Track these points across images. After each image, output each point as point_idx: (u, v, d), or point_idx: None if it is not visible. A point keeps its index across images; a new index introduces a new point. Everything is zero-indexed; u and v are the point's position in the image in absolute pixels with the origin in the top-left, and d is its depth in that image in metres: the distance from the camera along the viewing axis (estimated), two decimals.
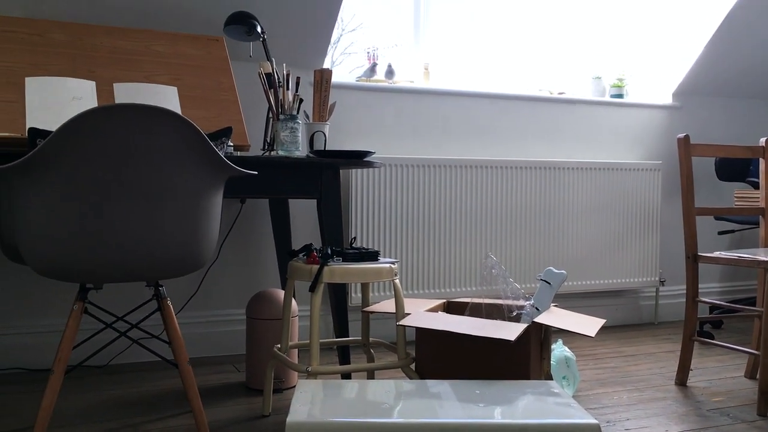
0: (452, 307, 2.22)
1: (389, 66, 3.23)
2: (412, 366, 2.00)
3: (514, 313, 2.06)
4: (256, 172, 1.83)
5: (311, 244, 2.03)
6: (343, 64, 3.34)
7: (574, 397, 2.32)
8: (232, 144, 2.30)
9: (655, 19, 3.72)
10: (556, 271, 2.06)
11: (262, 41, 2.56)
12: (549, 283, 2.05)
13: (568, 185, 3.35)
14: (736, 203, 3.32)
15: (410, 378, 1.97)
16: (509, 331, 1.75)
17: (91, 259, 1.63)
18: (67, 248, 1.61)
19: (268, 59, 2.47)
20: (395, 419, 1.43)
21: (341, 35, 3.32)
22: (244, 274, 2.93)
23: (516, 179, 3.24)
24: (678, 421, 2.09)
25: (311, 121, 2.45)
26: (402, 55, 3.35)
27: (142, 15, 2.64)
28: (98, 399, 2.26)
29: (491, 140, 3.32)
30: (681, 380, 2.48)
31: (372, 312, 2.11)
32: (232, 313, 2.91)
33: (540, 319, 1.90)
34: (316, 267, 1.91)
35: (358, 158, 2.25)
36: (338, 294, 2.32)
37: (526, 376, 1.85)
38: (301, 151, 2.31)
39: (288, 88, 2.35)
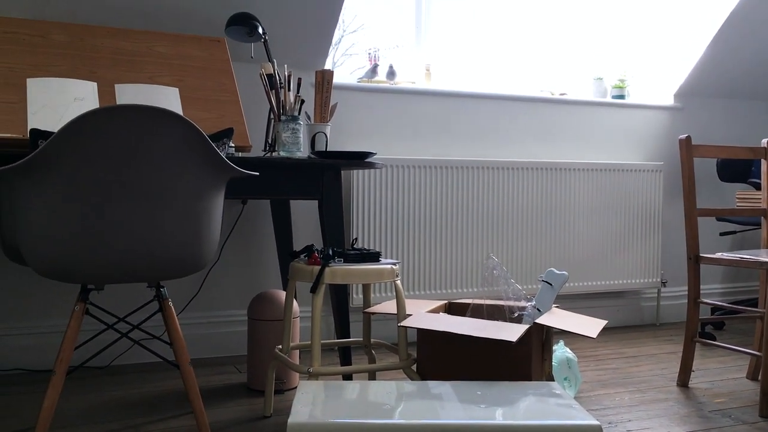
0: (454, 308, 2.21)
1: (391, 67, 3.23)
2: (414, 367, 2.00)
3: (516, 314, 2.06)
4: (257, 173, 1.83)
5: (312, 245, 2.03)
6: (345, 65, 3.34)
7: (575, 398, 2.31)
8: (233, 145, 2.30)
9: (656, 20, 3.72)
10: (558, 272, 2.05)
11: (264, 42, 2.57)
12: (550, 284, 2.05)
13: (570, 186, 3.35)
14: (738, 204, 3.32)
15: (411, 379, 1.97)
16: (511, 332, 1.75)
17: (93, 260, 1.63)
18: (69, 249, 1.61)
19: (270, 60, 2.47)
20: (396, 420, 1.43)
21: (342, 36, 3.32)
22: (246, 275, 2.93)
23: (517, 180, 3.24)
24: (680, 422, 2.09)
25: (313, 122, 2.45)
26: (403, 56, 3.35)
27: (144, 16, 2.64)
28: (99, 400, 2.26)
29: (492, 141, 3.32)
30: (683, 381, 2.48)
31: (373, 313, 2.11)
32: (233, 314, 2.91)
33: (541, 320, 1.90)
34: (317, 268, 1.91)
35: (359, 159, 2.25)
36: (339, 295, 2.32)
37: (527, 377, 1.85)
38: (303, 152, 2.31)
39: (289, 89, 2.35)
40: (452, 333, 1.79)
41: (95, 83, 2.26)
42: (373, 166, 2.32)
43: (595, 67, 3.71)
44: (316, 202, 2.94)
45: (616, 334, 3.39)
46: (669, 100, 3.73)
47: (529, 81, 3.59)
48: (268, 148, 2.55)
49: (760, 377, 2.41)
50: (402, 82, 3.25)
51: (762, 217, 2.57)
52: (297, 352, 2.40)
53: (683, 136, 2.44)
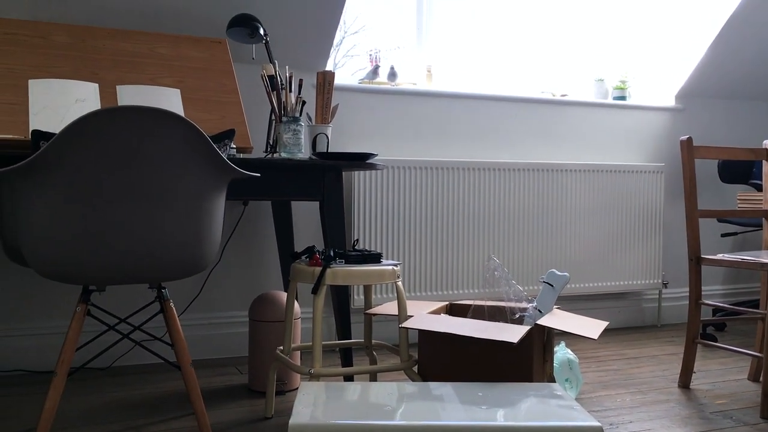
0: (455, 310, 2.21)
1: (392, 68, 3.23)
2: (415, 368, 2.00)
3: (517, 316, 2.06)
4: (258, 174, 1.83)
5: (314, 246, 2.03)
6: (346, 66, 3.35)
7: (576, 399, 2.31)
8: (234, 146, 2.30)
9: (657, 21, 3.72)
10: (559, 273, 2.05)
11: (265, 43, 2.57)
12: (552, 286, 2.05)
13: (571, 187, 3.35)
14: (739, 205, 3.31)
15: (413, 380, 1.97)
16: (512, 333, 1.75)
17: (94, 261, 1.63)
18: (70, 250, 1.61)
19: (271, 61, 2.48)
20: (398, 421, 1.43)
21: (344, 37, 3.32)
22: (247, 276, 2.93)
23: (518, 181, 3.24)
24: (681, 423, 2.09)
25: (314, 123, 2.45)
26: (404, 58, 3.35)
27: (145, 17, 2.64)
28: (101, 401, 2.26)
29: (494, 142, 3.32)
30: (684, 383, 2.48)
31: (374, 314, 2.11)
32: (234, 315, 2.92)
33: (543, 321, 1.90)
34: (318, 269, 1.91)
35: (360, 160, 2.25)
36: (341, 296, 2.32)
37: (528, 378, 1.85)
38: (304, 153, 2.32)
39: (291, 91, 2.35)
40: (453, 334, 1.79)
41: (97, 84, 2.26)
42: (375, 168, 2.32)
43: (596, 69, 3.71)
44: (318, 203, 2.94)
45: (617, 335, 3.38)
46: (670, 102, 3.73)
47: (530, 82, 3.59)
48: (269, 149, 2.55)
49: (761, 378, 2.41)
50: (403, 83, 3.25)
51: (763, 219, 2.57)
52: (298, 353, 2.40)
53: (684, 138, 2.44)
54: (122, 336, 1.92)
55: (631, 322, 3.61)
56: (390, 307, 2.14)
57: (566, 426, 1.42)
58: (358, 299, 2.94)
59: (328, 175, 2.29)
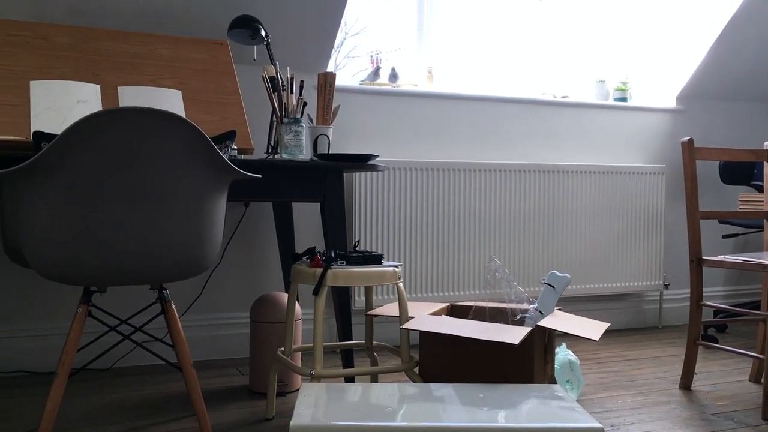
0: (456, 311, 2.21)
1: (393, 69, 3.23)
2: (416, 369, 2.00)
3: (518, 317, 2.06)
4: (259, 176, 1.83)
5: (315, 247, 2.03)
6: (347, 67, 3.35)
7: (578, 401, 2.31)
8: (236, 147, 2.30)
9: (658, 23, 3.72)
10: (560, 274, 2.05)
11: (266, 45, 2.57)
12: (553, 287, 2.05)
13: (572, 189, 3.35)
14: (741, 207, 3.31)
15: (414, 381, 1.97)
16: (513, 334, 1.75)
17: (95, 262, 1.64)
18: (71, 251, 1.61)
19: (272, 63, 2.48)
20: (399, 423, 1.43)
21: (345, 39, 3.32)
22: (248, 278, 2.93)
23: (519, 183, 3.24)
24: (682, 425, 2.09)
25: (315, 124, 2.45)
26: (405, 59, 3.36)
27: (146, 19, 2.64)
28: (102, 402, 2.26)
29: (495, 143, 3.32)
30: (685, 384, 2.48)
31: (375, 315, 2.11)
32: (235, 317, 2.92)
33: (544, 322, 1.90)
34: (319, 270, 1.91)
35: (361, 161, 2.25)
36: (342, 297, 2.32)
37: (529, 379, 1.84)
38: (305, 154, 2.32)
39: (292, 92, 2.36)
40: (454, 335, 1.79)
41: (98, 86, 2.26)
42: (376, 169, 2.32)
43: (597, 70, 3.71)
44: (319, 204, 2.94)
45: (618, 336, 3.38)
46: (671, 103, 3.73)
47: (531, 83, 3.59)
48: (270, 150, 2.56)
49: (762, 380, 2.40)
50: (404, 84, 3.25)
51: (765, 220, 2.57)
52: (299, 354, 2.40)
53: (685, 139, 2.44)
54: (123, 337, 1.92)
55: (632, 324, 3.61)
56: (391, 309, 2.14)
57: (567, 427, 1.42)
58: (359, 300, 2.94)
59: (329, 177, 2.29)
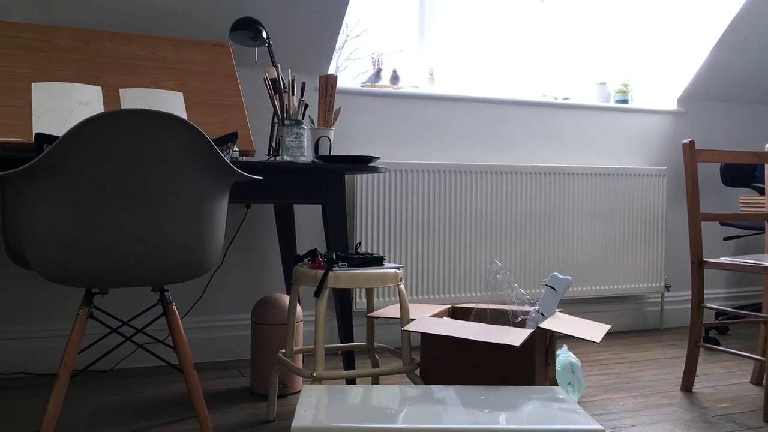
0: (457, 313, 2.21)
1: (394, 71, 3.23)
2: (417, 371, 2.00)
3: (519, 319, 2.06)
4: (261, 178, 1.84)
5: (316, 249, 2.03)
6: (348, 69, 3.35)
7: (579, 403, 2.31)
8: (237, 149, 2.31)
9: (659, 25, 3.72)
10: (561, 276, 2.05)
11: (268, 47, 2.57)
12: (554, 289, 2.05)
13: (573, 190, 3.35)
14: (742, 209, 3.31)
15: (415, 383, 1.97)
16: (514, 336, 1.75)
17: (97, 264, 1.64)
18: (73, 253, 1.62)
19: (274, 65, 2.48)
20: (400, 425, 1.43)
21: (346, 41, 3.33)
22: (249, 279, 2.93)
23: (520, 184, 3.24)
24: (683, 427, 2.09)
25: (316, 126, 2.45)
26: (407, 61, 3.36)
27: (148, 21, 2.65)
28: (103, 404, 2.26)
29: (496, 145, 3.33)
30: (686, 386, 2.48)
31: (377, 317, 2.11)
32: (237, 318, 2.92)
33: (545, 324, 1.90)
34: (321, 272, 1.91)
35: (363, 163, 2.25)
36: (343, 299, 2.32)
37: (531, 381, 1.84)
38: (306, 156, 2.32)
39: (293, 94, 2.36)
40: (456, 337, 1.79)
41: (99, 87, 2.27)
42: (377, 171, 2.33)
43: (599, 72, 3.72)
44: (320, 206, 2.94)
45: (619, 338, 3.38)
46: (672, 105, 3.73)
47: (532, 85, 3.59)
48: (271, 152, 2.56)
49: (764, 382, 2.40)
50: (405, 86, 3.25)
51: (766, 222, 2.57)
52: (300, 356, 2.40)
53: (686, 141, 2.44)
54: (125, 339, 1.92)
55: (633, 326, 3.61)
56: (392, 310, 2.14)
57: (568, 429, 1.42)
58: (360, 302, 2.94)
59: (331, 178, 2.30)
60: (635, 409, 2.25)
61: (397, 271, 1.98)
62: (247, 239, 2.92)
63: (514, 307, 2.09)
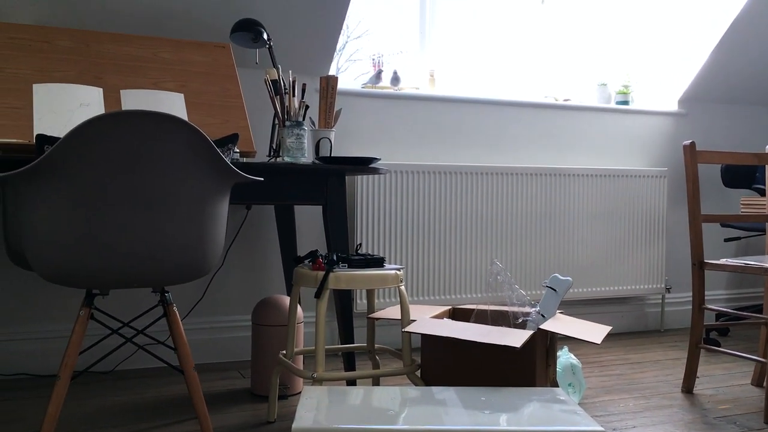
0: (458, 314, 2.21)
1: (395, 73, 3.24)
2: (418, 372, 2.00)
3: (520, 320, 2.06)
4: (262, 179, 1.84)
5: (317, 250, 2.03)
6: (349, 70, 3.35)
7: (579, 404, 2.31)
8: (238, 150, 2.31)
9: (660, 26, 3.72)
10: (562, 277, 2.05)
11: (269, 48, 2.57)
12: (555, 290, 2.05)
13: (574, 192, 3.35)
14: (742, 210, 3.31)
15: (415, 384, 1.97)
16: (515, 337, 1.75)
17: (98, 265, 1.64)
18: (74, 254, 1.62)
19: (274, 66, 2.48)
20: (400, 426, 1.43)
21: (347, 42, 3.33)
22: (250, 280, 2.93)
23: (521, 186, 3.24)
24: (684, 428, 2.08)
25: (317, 127, 2.45)
26: (407, 62, 3.36)
27: (149, 22, 2.65)
28: (103, 405, 2.26)
29: (496, 147, 3.33)
30: (687, 388, 2.47)
31: (377, 318, 2.11)
32: (237, 319, 2.92)
33: (546, 326, 1.90)
34: (321, 273, 1.91)
35: (363, 165, 2.25)
36: (343, 300, 2.32)
37: (531, 383, 1.84)
38: (307, 157, 2.32)
39: (294, 95, 2.36)
40: (456, 339, 1.79)
41: (101, 89, 2.27)
42: (377, 172, 2.33)
43: (599, 73, 3.72)
44: (321, 207, 2.94)
45: (620, 340, 3.38)
46: (673, 106, 3.73)
47: (533, 87, 3.60)
48: (272, 153, 2.56)
49: (765, 384, 2.40)
50: (406, 87, 3.25)
51: (766, 223, 2.56)
52: (301, 357, 2.40)
53: (687, 142, 2.44)
54: (125, 340, 1.92)
55: (634, 327, 3.61)
56: (393, 312, 2.14)
57: (569, 431, 1.42)
58: (360, 303, 2.94)
59: (331, 180, 2.30)
60: (636, 411, 2.25)
61: (398, 272, 1.98)
62: (247, 240, 2.92)
63: (515, 309, 2.09)
